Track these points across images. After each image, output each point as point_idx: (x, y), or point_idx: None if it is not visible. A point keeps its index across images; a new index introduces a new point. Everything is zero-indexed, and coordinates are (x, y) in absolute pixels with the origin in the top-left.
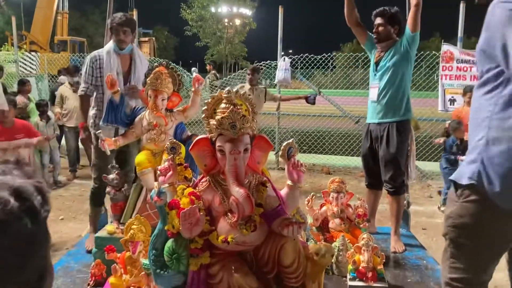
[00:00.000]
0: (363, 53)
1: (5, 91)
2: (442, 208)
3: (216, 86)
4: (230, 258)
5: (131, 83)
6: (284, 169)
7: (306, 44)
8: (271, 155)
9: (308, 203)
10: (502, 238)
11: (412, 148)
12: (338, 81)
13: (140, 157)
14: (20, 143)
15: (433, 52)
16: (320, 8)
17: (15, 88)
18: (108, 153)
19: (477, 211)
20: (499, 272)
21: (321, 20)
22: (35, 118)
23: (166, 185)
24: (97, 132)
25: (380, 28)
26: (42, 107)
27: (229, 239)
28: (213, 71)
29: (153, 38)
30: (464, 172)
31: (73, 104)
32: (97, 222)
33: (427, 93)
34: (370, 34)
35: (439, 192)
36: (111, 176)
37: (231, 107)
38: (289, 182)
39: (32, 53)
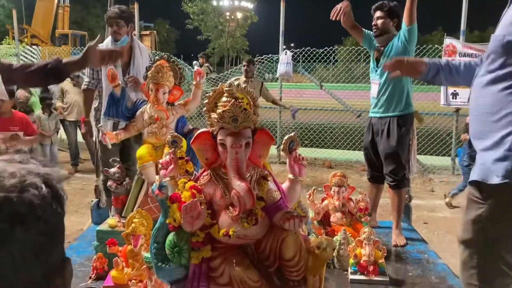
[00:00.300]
0: (364, 47)
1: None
2: (447, 199)
3: (211, 79)
4: (231, 251)
5: (130, 74)
6: (285, 163)
7: (308, 38)
8: (273, 149)
9: (309, 197)
10: None
11: (413, 142)
12: (340, 75)
13: (141, 151)
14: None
15: (436, 45)
16: (322, 1)
17: None
18: (109, 146)
19: None
20: None
21: (323, 13)
22: (37, 111)
23: (168, 178)
24: (98, 126)
25: (379, 21)
26: (47, 100)
27: (230, 233)
28: (206, 64)
29: (155, 31)
30: (493, 171)
31: (73, 98)
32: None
33: (429, 87)
34: (366, 31)
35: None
36: (113, 170)
37: (233, 100)
38: (290, 176)
39: (33, 46)
